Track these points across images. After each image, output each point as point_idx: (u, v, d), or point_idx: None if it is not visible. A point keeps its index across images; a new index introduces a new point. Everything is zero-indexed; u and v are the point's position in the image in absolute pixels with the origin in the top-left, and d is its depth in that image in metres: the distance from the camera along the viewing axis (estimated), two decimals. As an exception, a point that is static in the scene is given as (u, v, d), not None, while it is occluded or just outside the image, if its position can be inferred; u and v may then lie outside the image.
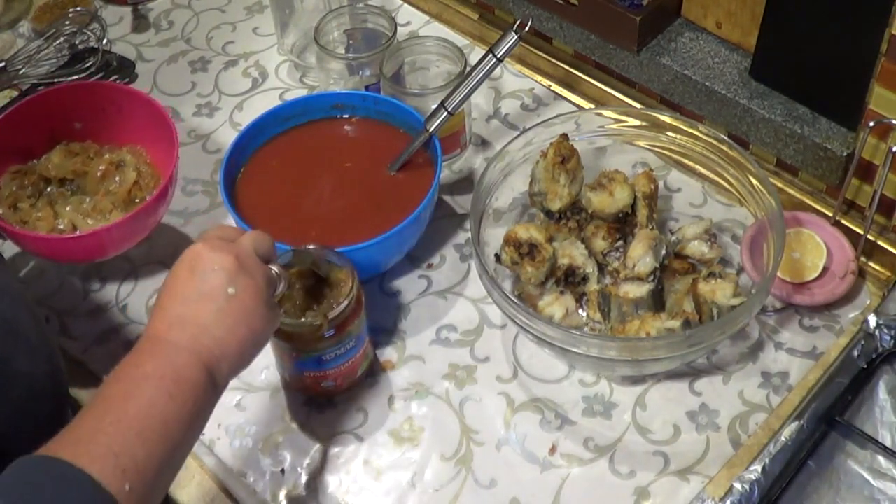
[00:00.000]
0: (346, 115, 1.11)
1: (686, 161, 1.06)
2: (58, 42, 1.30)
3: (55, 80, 1.26)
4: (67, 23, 1.31)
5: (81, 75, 1.27)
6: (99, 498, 0.59)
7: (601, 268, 1.01)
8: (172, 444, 0.65)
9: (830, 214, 1.03)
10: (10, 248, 1.08)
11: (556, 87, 1.24)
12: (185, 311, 0.70)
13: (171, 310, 0.71)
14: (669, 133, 1.03)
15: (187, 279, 0.72)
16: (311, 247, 0.88)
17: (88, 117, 1.10)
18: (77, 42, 1.31)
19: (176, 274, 0.73)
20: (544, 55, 1.25)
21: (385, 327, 1.01)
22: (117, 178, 1.07)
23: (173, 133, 1.04)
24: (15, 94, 1.27)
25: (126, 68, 1.29)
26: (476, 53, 1.27)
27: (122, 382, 0.67)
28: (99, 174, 1.07)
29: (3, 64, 1.27)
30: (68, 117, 1.10)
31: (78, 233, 1.03)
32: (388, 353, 0.99)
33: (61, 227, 1.05)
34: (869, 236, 1.00)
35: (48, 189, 1.08)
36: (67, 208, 1.06)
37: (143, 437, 0.63)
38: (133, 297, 1.05)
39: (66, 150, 1.09)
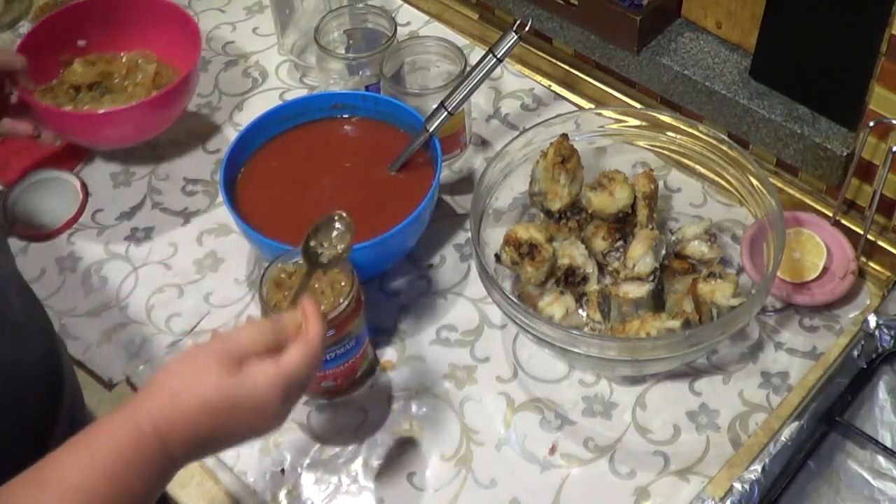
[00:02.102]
0: (346, 115, 1.11)
1: (686, 161, 1.06)
2: (58, 42, 1.30)
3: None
4: (67, 22, 1.31)
5: (81, 75, 1.27)
6: None
7: (601, 268, 1.01)
8: None
9: (830, 214, 1.03)
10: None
11: (556, 87, 1.24)
12: (210, 440, 0.65)
13: (202, 438, 0.64)
14: (669, 133, 1.03)
15: (247, 426, 0.66)
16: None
17: (91, 33, 1.18)
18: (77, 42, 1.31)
19: (251, 409, 0.65)
20: (544, 55, 1.25)
21: (385, 327, 1.01)
22: (139, 76, 1.16)
23: (191, 24, 1.15)
24: (15, 93, 1.27)
25: (126, 68, 1.30)
26: (476, 53, 1.27)
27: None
28: (124, 71, 1.16)
29: (3, 64, 1.27)
30: (71, 38, 1.18)
31: (120, 107, 1.10)
32: (388, 353, 0.99)
33: None
34: (869, 236, 1.00)
35: (79, 95, 1.15)
36: (104, 105, 1.15)
37: None
38: (133, 297, 1.05)
39: (84, 61, 1.16)
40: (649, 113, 1.05)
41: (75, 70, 1.16)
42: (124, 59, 1.19)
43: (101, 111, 1.10)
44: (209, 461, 0.91)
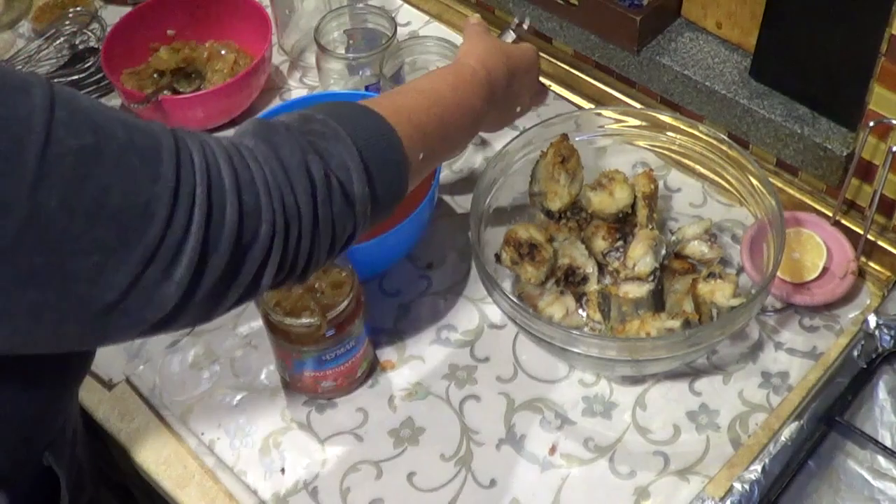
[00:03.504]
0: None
1: (686, 161, 1.06)
2: (58, 42, 1.30)
3: (55, 80, 1.26)
4: (67, 23, 1.31)
5: (82, 75, 1.27)
6: (392, 141, 0.71)
7: (601, 268, 1.01)
8: (456, 133, 0.84)
9: (830, 214, 1.03)
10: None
11: (556, 87, 1.24)
12: (493, 62, 0.90)
13: (486, 59, 0.90)
14: (669, 133, 1.03)
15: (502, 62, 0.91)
16: None
17: (180, 23, 1.28)
18: (77, 42, 1.31)
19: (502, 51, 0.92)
20: (544, 55, 1.24)
21: (385, 327, 1.01)
22: (219, 63, 1.25)
23: (264, 17, 1.23)
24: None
25: (126, 68, 1.30)
26: (476, 53, 1.27)
27: (427, 80, 0.85)
28: (205, 56, 1.26)
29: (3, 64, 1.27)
30: (162, 26, 1.28)
31: (204, 90, 1.21)
32: (388, 353, 0.99)
33: None
34: (869, 236, 0.99)
35: (162, 79, 1.23)
36: (189, 89, 1.24)
37: (440, 121, 0.79)
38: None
39: (170, 48, 1.26)
40: (649, 113, 1.05)
41: (161, 56, 1.25)
42: (207, 48, 1.27)
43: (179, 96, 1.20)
44: (209, 461, 0.91)
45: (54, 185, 0.52)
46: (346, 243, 0.69)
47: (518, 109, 0.98)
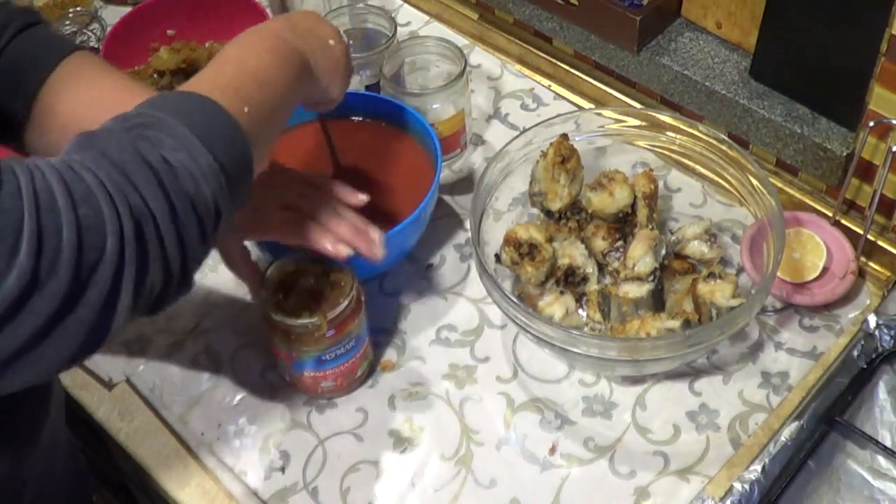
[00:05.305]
0: (347, 116, 1.11)
1: (686, 161, 1.06)
2: (58, 42, 1.30)
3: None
4: (67, 23, 1.31)
5: (81, 75, 1.27)
6: (216, 111, 0.67)
7: (601, 268, 1.01)
8: (279, 99, 0.76)
9: (830, 214, 1.03)
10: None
11: (556, 87, 1.24)
12: (306, 28, 0.84)
13: (296, 24, 0.83)
14: (669, 133, 1.03)
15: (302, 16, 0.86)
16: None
17: (180, 23, 1.28)
18: (77, 42, 1.31)
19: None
20: (544, 55, 1.25)
21: (385, 327, 1.01)
22: None
23: (265, 17, 1.22)
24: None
25: (126, 68, 1.30)
26: (476, 53, 1.27)
27: (243, 48, 0.78)
28: (205, 56, 1.24)
29: (3, 64, 1.27)
30: (162, 26, 1.28)
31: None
32: (388, 353, 0.99)
33: None
34: (869, 236, 1.00)
35: (163, 80, 1.23)
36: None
37: (259, 84, 0.73)
38: (133, 297, 1.05)
39: (170, 49, 1.25)
40: (649, 113, 1.05)
41: (161, 56, 1.24)
42: (207, 48, 1.26)
43: None
44: (209, 461, 0.91)
45: None
46: (216, 224, 0.65)
47: (331, 42, 0.87)
